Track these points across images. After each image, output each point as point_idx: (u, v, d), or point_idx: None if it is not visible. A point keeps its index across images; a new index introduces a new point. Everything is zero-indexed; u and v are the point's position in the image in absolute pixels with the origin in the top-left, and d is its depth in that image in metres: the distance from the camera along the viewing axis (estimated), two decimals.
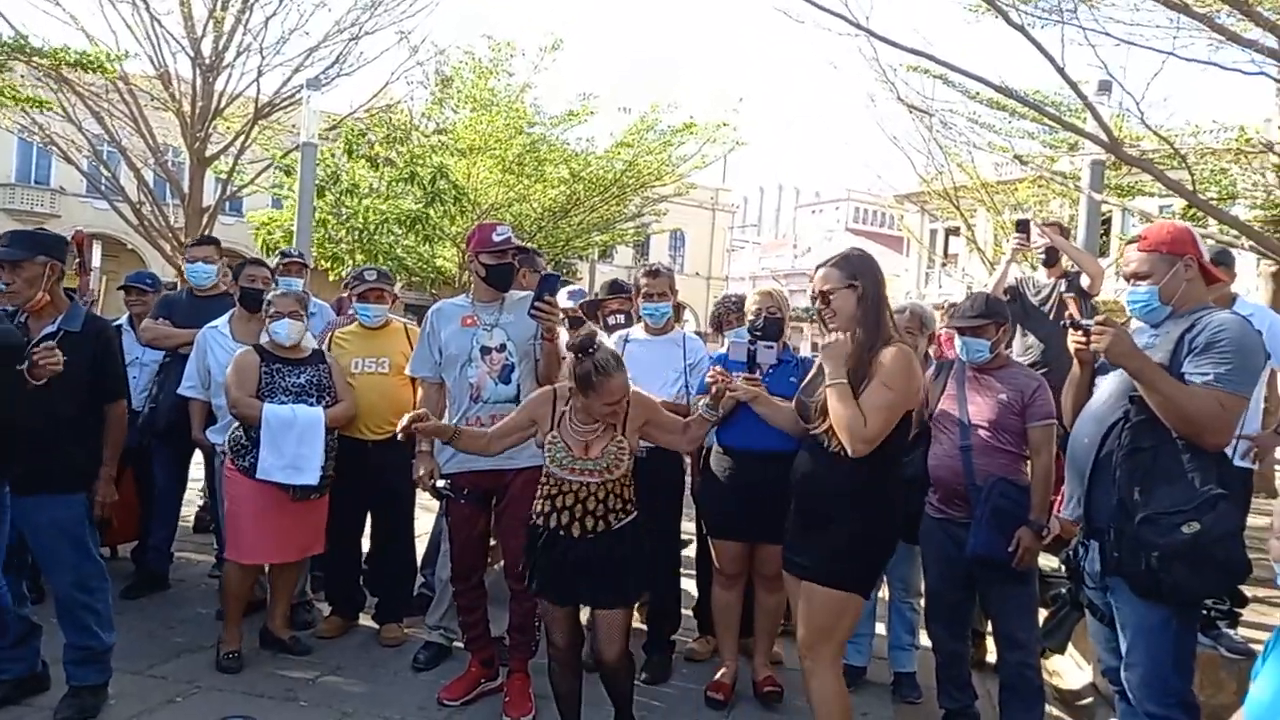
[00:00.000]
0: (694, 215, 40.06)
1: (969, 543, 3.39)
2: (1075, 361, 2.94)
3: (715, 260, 44.82)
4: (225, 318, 4.61)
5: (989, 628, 4.14)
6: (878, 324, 2.87)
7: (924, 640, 4.24)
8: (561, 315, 5.56)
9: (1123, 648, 2.66)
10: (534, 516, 3.15)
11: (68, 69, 11.55)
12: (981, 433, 3.50)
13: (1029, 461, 3.52)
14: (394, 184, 14.37)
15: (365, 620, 4.66)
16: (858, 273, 2.89)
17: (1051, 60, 5.66)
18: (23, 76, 11.35)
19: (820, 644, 2.96)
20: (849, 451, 2.77)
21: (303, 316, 4.20)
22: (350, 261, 13.84)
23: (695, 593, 4.67)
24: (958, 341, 3.66)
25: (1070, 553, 2.86)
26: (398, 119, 14.84)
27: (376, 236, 14.07)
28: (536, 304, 3.44)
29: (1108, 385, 2.78)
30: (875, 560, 3.04)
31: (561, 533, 3.06)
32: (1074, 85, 6.09)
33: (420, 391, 4.07)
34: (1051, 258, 5.21)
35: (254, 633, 4.25)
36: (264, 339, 4.22)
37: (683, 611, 4.60)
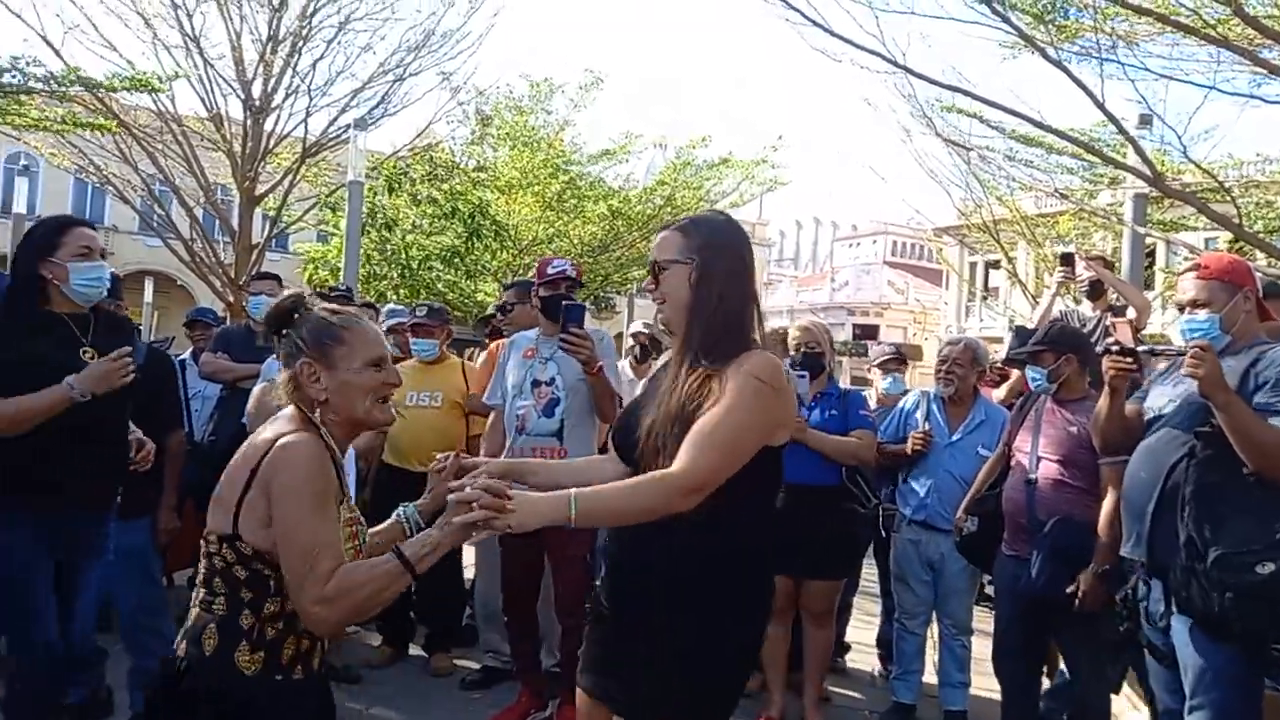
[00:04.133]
0: None
1: (1024, 579, 3.36)
2: (1107, 390, 2.89)
3: None
4: None
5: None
6: (725, 324, 2.02)
7: (974, 678, 4.22)
8: (631, 343, 5.66)
9: (1186, 689, 2.61)
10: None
11: (123, 109, 12.00)
12: (1049, 467, 3.46)
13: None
14: (436, 220, 14.64)
15: (414, 650, 4.72)
16: (705, 244, 2.05)
17: (1091, 95, 5.70)
18: (84, 110, 11.76)
19: None
20: (663, 505, 1.89)
21: None
22: (394, 296, 14.08)
23: None
24: (1027, 371, 3.69)
25: (1129, 591, 2.81)
26: (439, 157, 15.14)
27: (419, 271, 14.32)
28: (563, 336, 3.40)
29: (1165, 419, 2.74)
30: (725, 688, 2.09)
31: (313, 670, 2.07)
32: (1115, 120, 6.11)
33: (490, 419, 4.15)
34: (1096, 291, 5.20)
35: None
36: None
37: None
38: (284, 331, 1.93)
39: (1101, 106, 5.63)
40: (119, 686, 3.63)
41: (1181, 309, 2.80)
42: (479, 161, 15.90)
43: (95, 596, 3.21)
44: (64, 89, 9.68)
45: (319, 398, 1.88)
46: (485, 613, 4.47)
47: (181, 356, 5.16)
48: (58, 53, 10.57)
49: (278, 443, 1.79)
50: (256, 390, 4.13)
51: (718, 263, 2.03)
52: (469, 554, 5.00)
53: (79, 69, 9.77)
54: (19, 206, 16.25)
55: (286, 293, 1.98)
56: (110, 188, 14.14)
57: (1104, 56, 5.89)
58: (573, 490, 1.83)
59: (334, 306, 1.98)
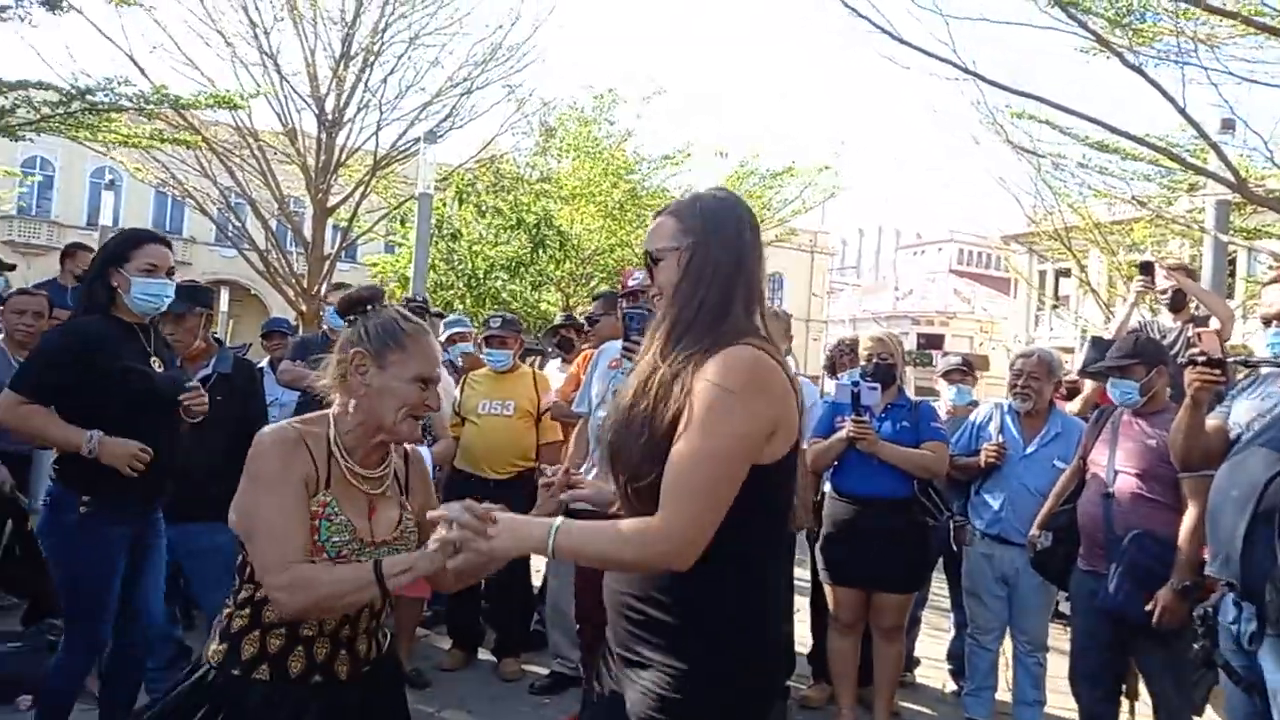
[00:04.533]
0: (793, 258, 39.91)
1: (1102, 596, 3.28)
2: (1189, 402, 2.79)
3: (814, 303, 44.50)
4: None
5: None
6: (701, 309, 1.69)
7: (1050, 697, 4.13)
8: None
9: (1276, 717, 2.51)
10: (243, 658, 1.83)
11: (204, 124, 12.47)
12: (1127, 481, 3.38)
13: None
14: (501, 231, 14.86)
15: (484, 654, 4.79)
16: (700, 227, 1.74)
17: (1171, 100, 5.56)
18: (168, 128, 12.22)
19: None
20: (647, 562, 1.62)
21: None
22: (460, 306, 14.32)
23: (810, 639, 4.66)
24: (1110, 386, 3.60)
25: (1209, 609, 2.73)
26: (505, 169, 15.38)
27: (485, 281, 14.54)
28: (625, 345, 3.31)
29: (1256, 435, 2.65)
30: None
31: (318, 678, 1.85)
32: (1196, 124, 5.94)
33: (576, 428, 4.20)
34: (1178, 301, 5.05)
35: None
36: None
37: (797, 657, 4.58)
38: (353, 317, 1.94)
39: (1182, 111, 5.48)
40: None
41: (1268, 322, 2.72)
42: (543, 172, 16.09)
43: (158, 591, 3.35)
44: (152, 107, 10.07)
45: (358, 391, 1.87)
46: (555, 618, 4.52)
47: (260, 365, 5.32)
48: (144, 72, 11.05)
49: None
50: None
51: (711, 246, 1.73)
52: (539, 559, 5.07)
53: (165, 87, 10.18)
54: (105, 219, 16.92)
55: (367, 284, 2.03)
56: (190, 200, 14.66)
57: (1184, 60, 5.74)
58: (557, 521, 1.61)
59: (408, 313, 1.98)
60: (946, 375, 5.55)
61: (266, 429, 1.87)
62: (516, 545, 1.64)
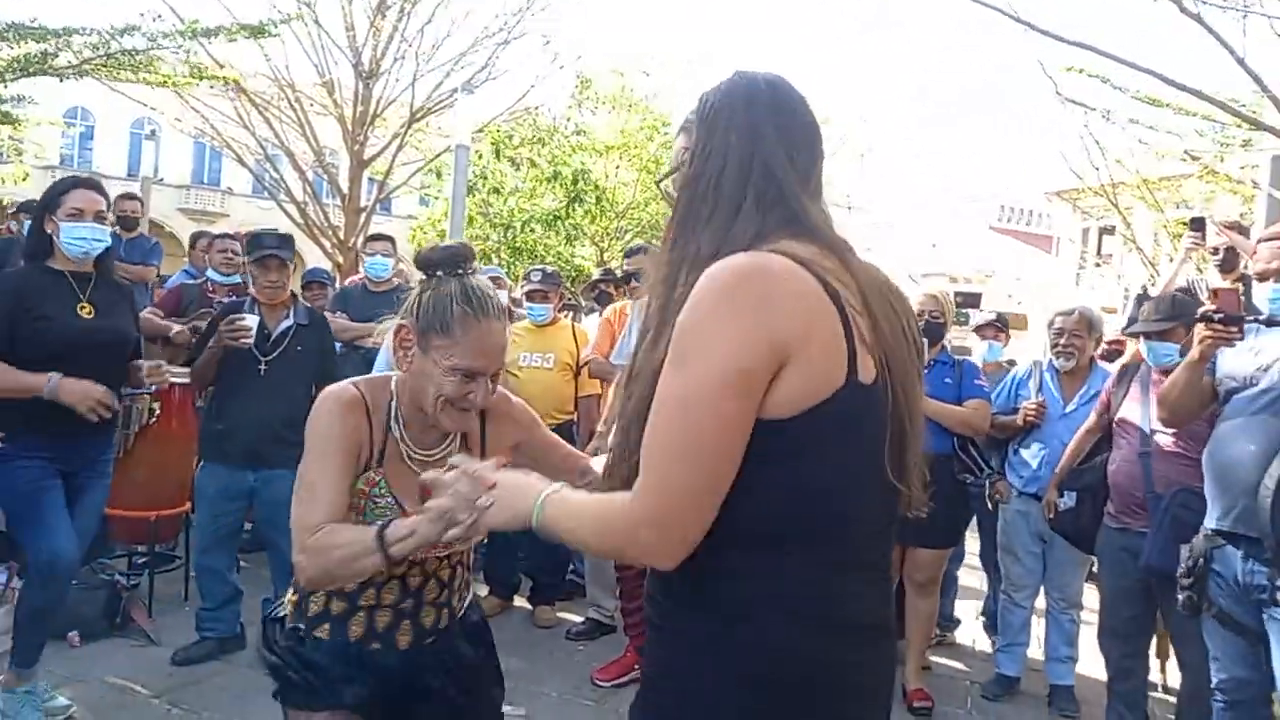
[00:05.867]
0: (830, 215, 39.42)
1: (1144, 554, 3.28)
2: (1193, 358, 2.78)
3: None
4: None
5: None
6: (715, 229, 1.27)
7: (1083, 655, 4.14)
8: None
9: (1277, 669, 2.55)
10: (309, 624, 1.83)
11: (242, 75, 12.49)
12: (1164, 439, 3.37)
13: None
14: (537, 184, 14.83)
15: (520, 602, 4.89)
16: (699, 124, 1.35)
17: (1230, 49, 5.40)
18: (210, 89, 12.24)
19: None
20: (634, 553, 1.22)
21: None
22: (496, 259, 14.36)
23: None
24: (1143, 346, 3.55)
25: (1199, 560, 2.74)
26: (541, 121, 15.29)
27: (521, 235, 14.57)
28: None
29: (1274, 389, 2.62)
30: None
31: (375, 645, 1.82)
32: (1255, 76, 5.76)
33: (614, 381, 4.23)
34: (1230, 260, 4.92)
35: None
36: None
37: None
38: (427, 276, 1.77)
39: (1241, 61, 5.32)
40: (249, 624, 3.88)
41: (1264, 278, 2.68)
42: (577, 125, 15.99)
43: (98, 515, 3.38)
44: (187, 39, 10.09)
45: (403, 364, 1.75)
46: (594, 571, 4.60)
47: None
48: (175, 12, 11.03)
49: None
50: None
51: (710, 140, 1.32)
52: None
53: (197, 21, 10.17)
54: (145, 169, 17.13)
55: (460, 241, 1.81)
56: (228, 151, 14.75)
57: (1246, 9, 5.55)
58: (545, 491, 1.31)
59: (483, 291, 1.73)
60: (979, 330, 5.50)
61: (332, 387, 1.76)
62: (505, 518, 1.36)
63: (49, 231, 3.07)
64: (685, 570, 1.18)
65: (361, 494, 1.73)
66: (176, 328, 4.58)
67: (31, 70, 9.19)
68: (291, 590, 1.86)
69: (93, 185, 3.16)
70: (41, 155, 16.05)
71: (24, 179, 12.92)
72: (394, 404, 1.77)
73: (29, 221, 6.44)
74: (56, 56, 9.20)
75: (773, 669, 1.18)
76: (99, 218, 3.10)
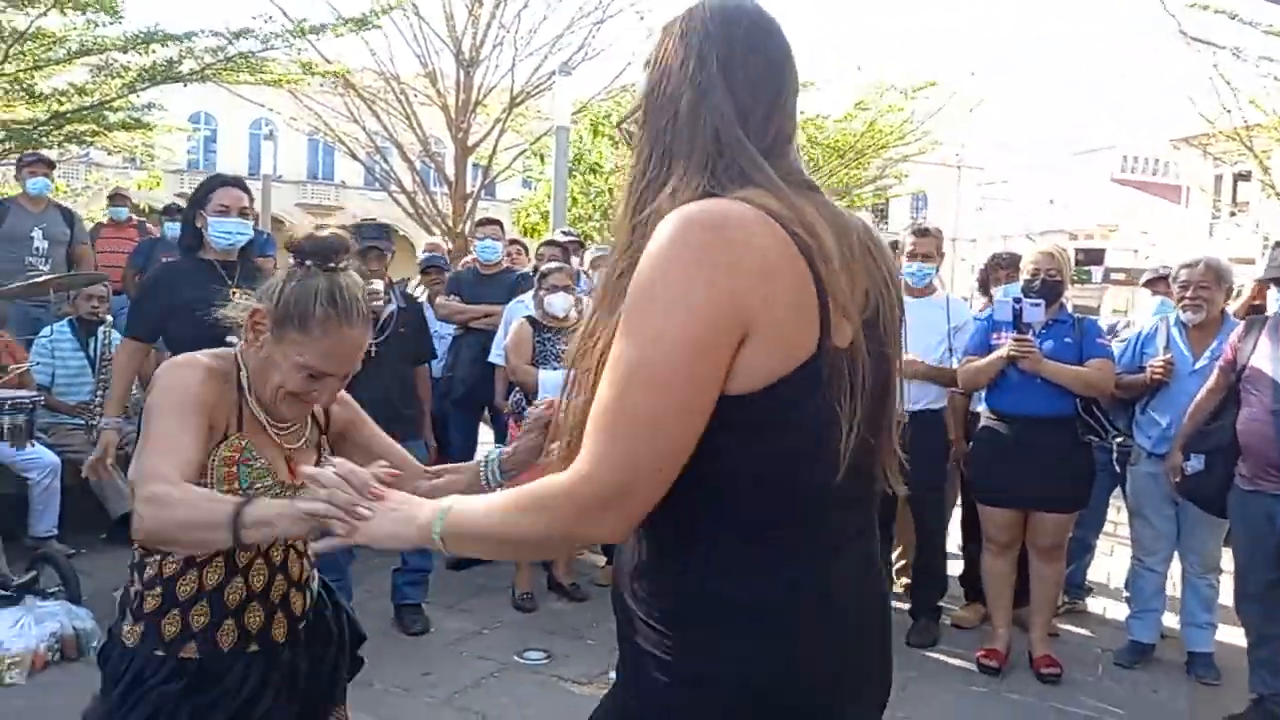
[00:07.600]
0: (938, 175, 38.12)
1: None
2: None
3: (962, 221, 42.52)
4: (529, 295, 5.01)
5: None
6: (668, 176, 1.15)
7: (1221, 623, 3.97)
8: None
9: None
10: (166, 625, 1.67)
11: (350, 72, 12.93)
12: None
13: None
14: None
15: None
16: (655, 59, 1.21)
17: None
18: (320, 86, 12.72)
19: None
20: (560, 533, 1.11)
21: (574, 290, 4.55)
22: (598, 237, 14.51)
23: (962, 558, 4.62)
24: (1272, 295, 3.36)
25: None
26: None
27: None
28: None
29: None
30: None
31: (254, 647, 1.71)
32: None
33: None
34: None
35: (541, 578, 4.68)
36: (536, 311, 4.62)
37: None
38: (296, 263, 1.67)
39: None
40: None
41: None
42: None
43: None
44: (296, 38, 10.52)
45: (252, 345, 1.67)
46: None
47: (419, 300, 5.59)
48: (284, 13, 11.50)
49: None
50: (514, 327, 4.50)
51: (666, 80, 1.18)
52: None
53: (305, 20, 10.61)
54: (266, 168, 17.94)
55: (336, 230, 1.71)
56: (341, 146, 15.33)
57: None
58: (446, 502, 1.19)
59: (350, 293, 1.64)
60: (1150, 284, 5.26)
61: (180, 356, 1.70)
62: (389, 532, 1.23)
63: (199, 225, 3.35)
64: (656, 557, 1.14)
65: (230, 460, 1.65)
66: None
67: (159, 78, 9.77)
68: (130, 619, 1.67)
69: (237, 183, 3.45)
70: (171, 160, 16.97)
71: (157, 185, 13.73)
72: (244, 374, 1.69)
73: (167, 223, 6.94)
74: (180, 63, 9.74)
75: (756, 662, 1.10)
76: (243, 213, 3.38)
